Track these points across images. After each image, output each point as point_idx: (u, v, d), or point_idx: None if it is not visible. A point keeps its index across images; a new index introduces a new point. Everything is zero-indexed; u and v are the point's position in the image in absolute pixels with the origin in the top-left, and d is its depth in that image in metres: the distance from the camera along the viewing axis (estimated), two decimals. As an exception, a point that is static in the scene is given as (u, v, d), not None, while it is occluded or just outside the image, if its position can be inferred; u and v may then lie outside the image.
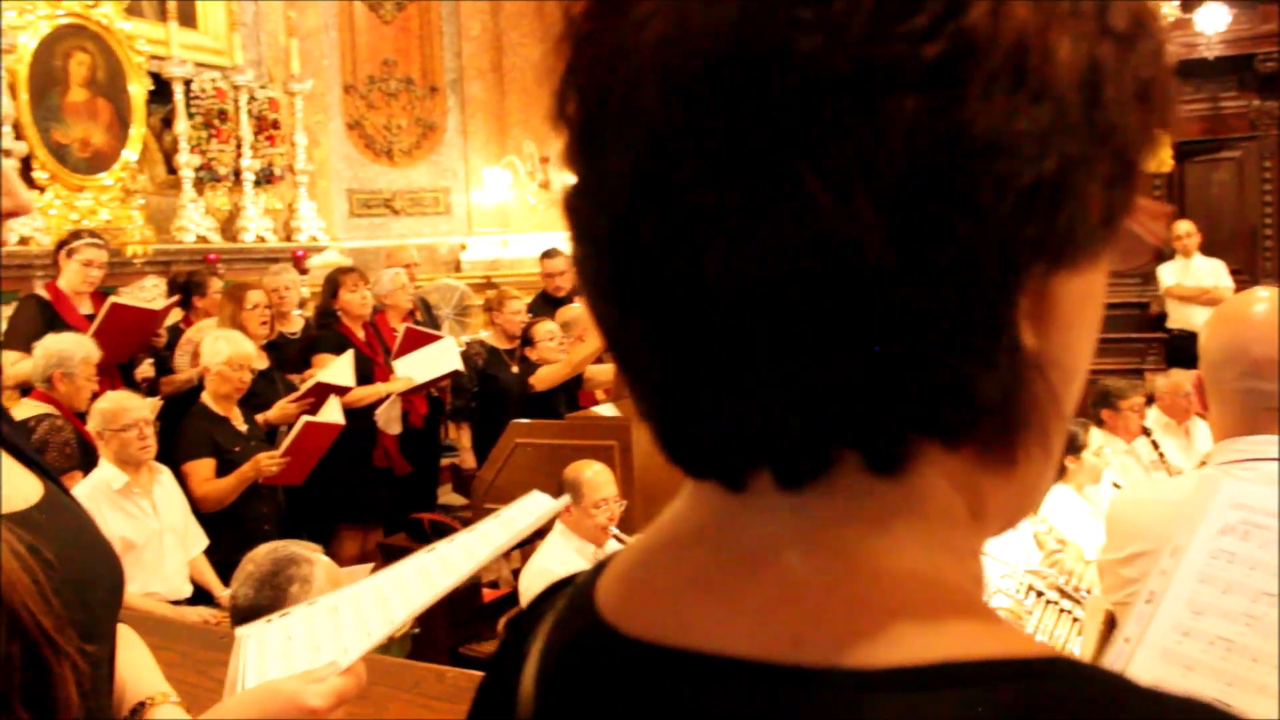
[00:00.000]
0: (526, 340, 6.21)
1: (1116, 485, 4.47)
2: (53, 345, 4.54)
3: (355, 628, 1.22)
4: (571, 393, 6.30)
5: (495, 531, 1.39)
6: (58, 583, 0.97)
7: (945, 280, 0.42)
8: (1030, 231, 0.43)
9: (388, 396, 5.87)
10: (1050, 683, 0.43)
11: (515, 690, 0.58)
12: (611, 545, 4.10)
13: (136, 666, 1.26)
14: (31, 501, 1.07)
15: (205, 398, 4.89)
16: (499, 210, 10.34)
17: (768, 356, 0.44)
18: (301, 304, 7.05)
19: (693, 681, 0.47)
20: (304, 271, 8.05)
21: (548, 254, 7.64)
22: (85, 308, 5.40)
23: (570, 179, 0.50)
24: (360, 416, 5.68)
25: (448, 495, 7.15)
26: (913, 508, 0.47)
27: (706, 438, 0.48)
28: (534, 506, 1.48)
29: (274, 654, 1.21)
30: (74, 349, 4.52)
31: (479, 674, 2.02)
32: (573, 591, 0.59)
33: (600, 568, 0.58)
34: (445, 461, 7.19)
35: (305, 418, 5.00)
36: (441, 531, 5.52)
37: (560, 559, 3.90)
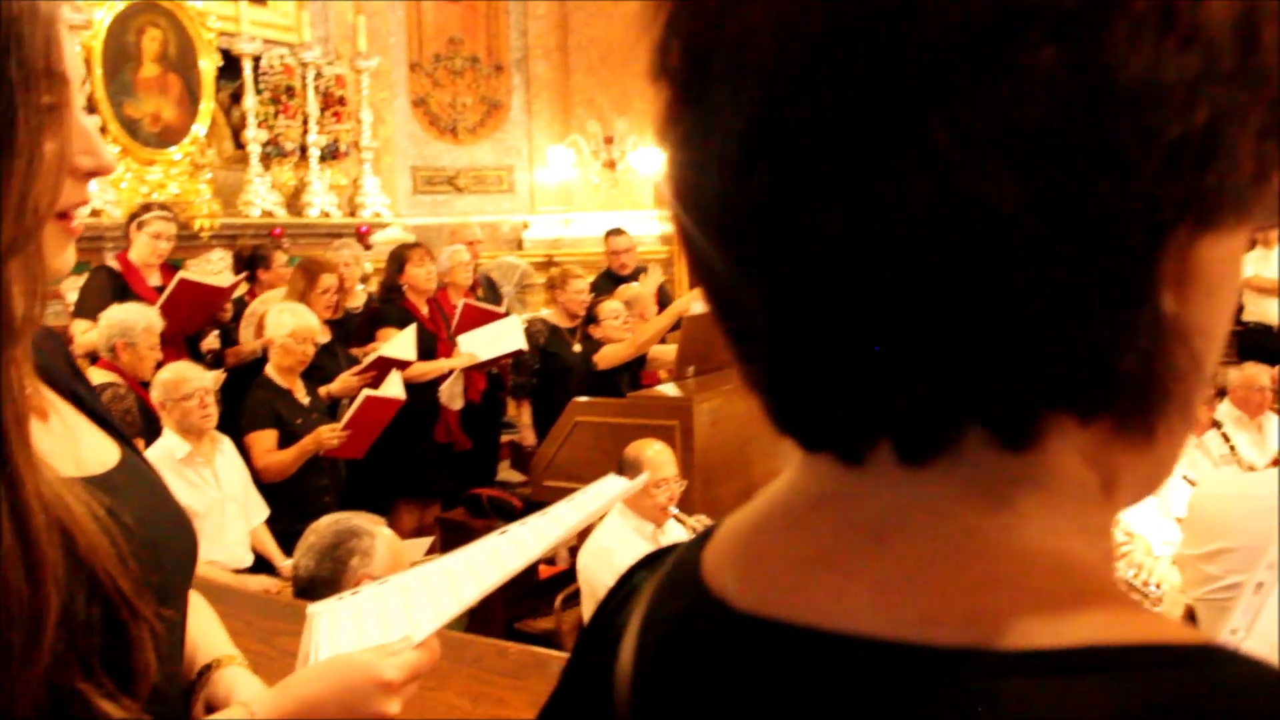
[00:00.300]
0: (591, 318, 6.20)
1: (1187, 479, 4.38)
2: (115, 315, 4.60)
3: (427, 606, 1.21)
4: (634, 372, 6.28)
5: (568, 513, 1.37)
6: (136, 546, 0.96)
7: (1085, 243, 0.39)
8: (1178, 189, 0.39)
9: (450, 372, 5.90)
10: (1207, 670, 0.40)
11: (609, 666, 0.55)
12: (670, 525, 4.08)
13: (205, 630, 1.26)
14: (109, 465, 1.07)
15: (269, 370, 4.93)
16: (562, 189, 10.35)
17: (892, 324, 0.41)
18: (364, 279, 7.10)
19: (815, 659, 0.45)
20: (368, 247, 8.11)
21: (613, 232, 7.65)
22: (154, 279, 5.49)
23: (671, 138, 0.47)
24: (422, 391, 5.71)
25: (506, 472, 7.17)
26: (1042, 484, 0.44)
27: (823, 410, 0.45)
28: (607, 489, 1.45)
29: (346, 630, 1.20)
30: (136, 319, 4.58)
31: (541, 650, 2.00)
32: (673, 564, 0.57)
33: (702, 540, 0.56)
34: (504, 438, 7.22)
35: (366, 391, 5.02)
36: (500, 508, 5.54)
37: (619, 538, 3.88)
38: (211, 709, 1.17)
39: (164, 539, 1.06)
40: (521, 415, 6.69)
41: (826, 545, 0.47)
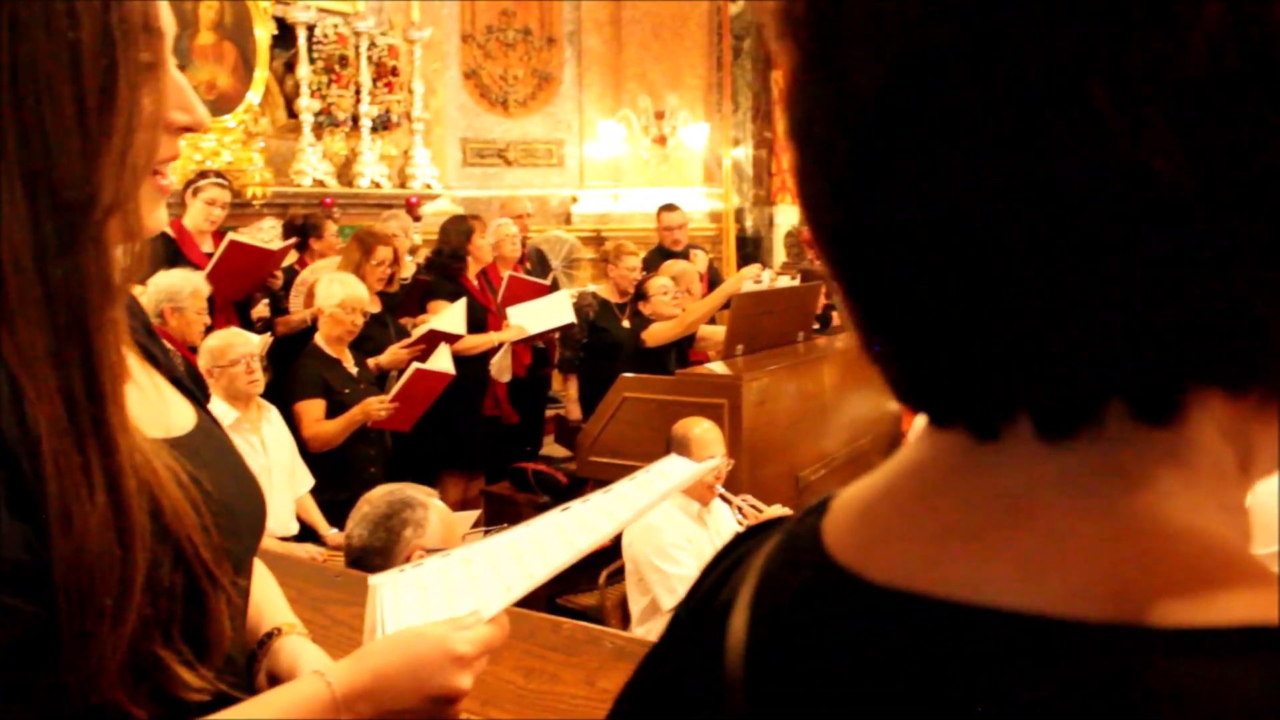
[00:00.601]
0: (640, 294, 6.18)
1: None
2: (162, 281, 4.63)
3: (494, 581, 1.20)
4: (682, 350, 6.26)
5: (635, 493, 1.34)
6: (215, 512, 0.97)
7: (1246, 207, 0.37)
8: None
9: (500, 346, 5.91)
10: None
11: (716, 639, 0.54)
12: (716, 505, 4.06)
13: (266, 597, 1.26)
14: (187, 428, 1.08)
15: (318, 339, 4.96)
16: (611, 164, 10.31)
17: (1035, 294, 0.39)
18: (413, 251, 7.11)
19: (959, 632, 0.43)
20: (417, 219, 8.13)
21: (666, 208, 7.67)
22: (207, 246, 5.54)
23: (796, 95, 0.45)
24: (470, 364, 5.72)
25: (550, 446, 7.19)
26: (1183, 460, 0.43)
27: (958, 382, 0.44)
28: (675, 470, 1.42)
29: (410, 603, 1.19)
30: (182, 284, 4.60)
31: (594, 626, 1.97)
32: (785, 536, 0.55)
33: (817, 512, 0.54)
34: (549, 413, 7.23)
35: (415, 365, 5.03)
36: (545, 482, 5.54)
37: (665, 515, 3.87)
38: (275, 678, 1.17)
39: (238, 504, 1.06)
40: (568, 389, 6.69)
41: (962, 518, 0.46)
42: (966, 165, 0.39)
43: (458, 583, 1.21)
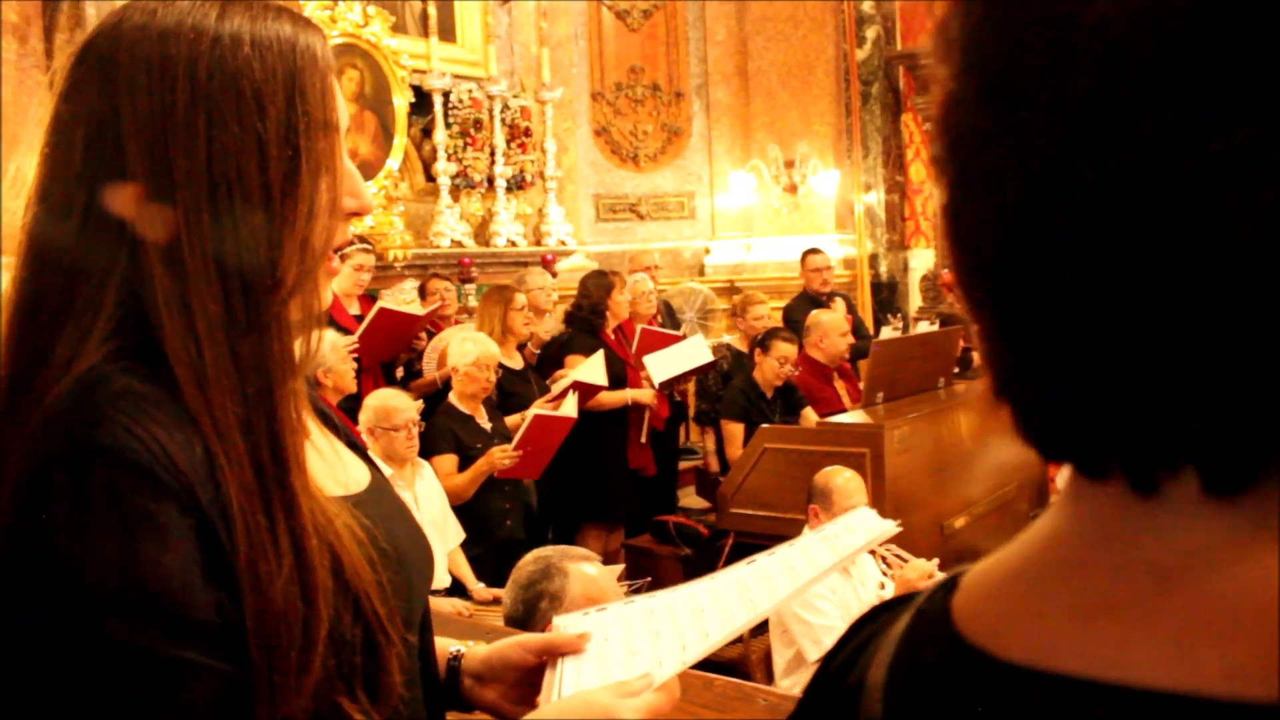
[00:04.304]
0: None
1: None
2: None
3: (670, 639, 1.19)
4: (790, 403, 6.16)
5: (819, 550, 1.31)
6: (390, 571, 1.01)
7: None
8: None
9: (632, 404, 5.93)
10: None
11: (850, 716, 0.53)
12: (860, 556, 3.99)
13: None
14: (363, 486, 1.13)
15: (452, 397, 5.07)
16: (743, 214, 10.32)
17: (1214, 338, 0.38)
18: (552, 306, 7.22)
19: (1101, 714, 0.41)
20: (553, 275, 8.26)
21: (810, 252, 7.69)
22: (354, 308, 5.72)
23: (965, 132, 0.44)
24: (609, 418, 5.76)
25: (689, 498, 7.18)
26: None
27: (1123, 432, 0.42)
28: (863, 524, 1.37)
29: (590, 655, 1.20)
30: (326, 350, 4.73)
31: (747, 683, 1.95)
32: (916, 614, 0.53)
33: (947, 588, 0.52)
34: (685, 465, 7.22)
35: (535, 410, 5.06)
36: (686, 535, 5.53)
37: (809, 567, 3.82)
38: (478, 678, 1.25)
39: (411, 562, 1.10)
40: (706, 441, 6.67)
41: (1107, 589, 0.43)
42: (1151, 208, 0.38)
43: (638, 633, 1.21)
